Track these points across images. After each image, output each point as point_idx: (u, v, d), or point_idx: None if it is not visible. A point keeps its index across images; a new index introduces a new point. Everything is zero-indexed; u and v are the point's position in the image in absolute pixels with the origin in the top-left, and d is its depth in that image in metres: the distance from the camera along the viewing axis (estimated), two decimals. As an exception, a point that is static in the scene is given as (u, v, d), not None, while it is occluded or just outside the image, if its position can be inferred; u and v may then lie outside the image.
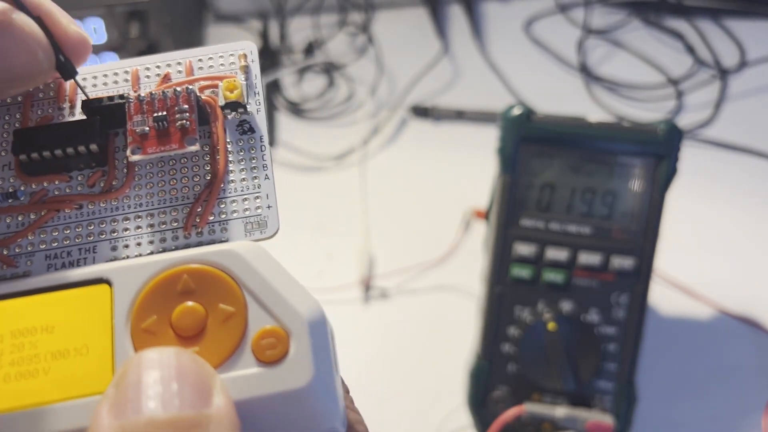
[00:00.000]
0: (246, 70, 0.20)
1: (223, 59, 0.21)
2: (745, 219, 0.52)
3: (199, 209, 0.18)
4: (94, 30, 0.51)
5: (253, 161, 0.19)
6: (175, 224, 0.18)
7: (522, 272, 0.40)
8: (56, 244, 0.18)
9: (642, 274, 0.39)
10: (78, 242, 0.18)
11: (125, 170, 0.19)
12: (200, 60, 0.21)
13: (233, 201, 0.19)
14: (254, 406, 0.15)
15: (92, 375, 0.16)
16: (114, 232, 0.19)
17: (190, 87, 0.19)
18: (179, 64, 0.20)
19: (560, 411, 0.37)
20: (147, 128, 0.18)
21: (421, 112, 0.60)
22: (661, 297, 0.47)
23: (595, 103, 0.60)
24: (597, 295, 0.39)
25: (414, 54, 0.64)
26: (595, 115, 0.42)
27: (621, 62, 0.63)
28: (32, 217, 0.19)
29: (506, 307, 0.40)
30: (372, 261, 0.50)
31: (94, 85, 0.20)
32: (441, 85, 0.62)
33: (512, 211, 0.41)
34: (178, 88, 0.19)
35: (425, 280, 0.50)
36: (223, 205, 0.19)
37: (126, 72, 0.20)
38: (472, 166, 0.53)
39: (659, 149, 0.39)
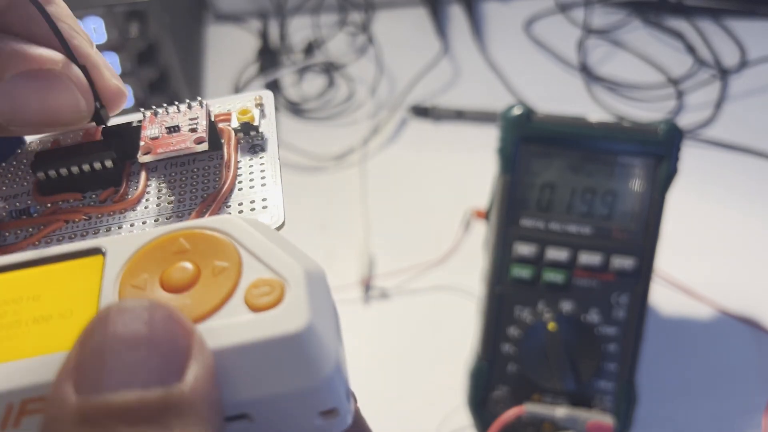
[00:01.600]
0: (261, 100, 0.21)
1: (241, 104, 0.22)
2: (745, 219, 0.52)
3: (204, 210, 0.19)
4: (93, 30, 0.51)
5: (262, 169, 0.20)
6: None
7: (522, 272, 0.40)
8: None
9: (642, 274, 0.39)
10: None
11: (138, 188, 0.20)
12: (219, 106, 0.21)
13: (240, 203, 0.19)
14: (243, 355, 0.14)
15: (71, 334, 0.14)
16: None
17: (202, 101, 0.20)
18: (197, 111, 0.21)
19: (560, 411, 0.37)
20: (159, 135, 0.19)
21: (421, 112, 0.60)
22: (662, 297, 0.47)
23: (596, 102, 0.60)
24: (597, 295, 0.39)
25: (414, 54, 0.64)
26: (595, 115, 0.42)
27: (621, 62, 0.63)
28: (41, 228, 0.19)
29: (506, 307, 0.40)
30: (372, 261, 0.50)
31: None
32: (441, 85, 0.62)
33: (512, 211, 0.41)
34: (192, 104, 0.20)
35: (425, 280, 0.49)
36: (228, 208, 0.19)
37: (144, 116, 0.21)
38: (472, 166, 0.53)
39: (659, 149, 0.39)
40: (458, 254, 0.50)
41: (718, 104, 0.59)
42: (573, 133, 0.40)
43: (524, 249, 0.40)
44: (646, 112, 0.59)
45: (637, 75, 0.61)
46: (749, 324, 0.46)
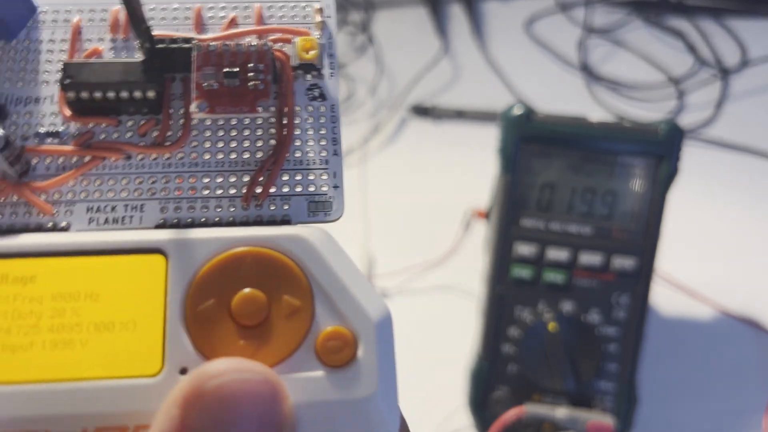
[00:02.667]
0: (322, 26, 0.18)
1: (297, 10, 0.18)
2: (746, 219, 0.51)
3: (260, 179, 0.17)
4: None
5: (322, 132, 0.17)
6: (233, 191, 0.17)
7: (522, 272, 0.40)
8: (99, 195, 0.16)
9: (643, 274, 0.39)
10: (124, 197, 0.16)
11: (181, 122, 0.17)
12: (271, 7, 0.18)
13: (297, 174, 0.17)
14: (314, 411, 0.14)
15: (137, 355, 0.14)
16: (164, 191, 0.16)
17: (267, 43, 0.17)
18: (247, 8, 0.18)
19: (561, 412, 0.37)
20: (216, 84, 0.16)
21: (422, 111, 0.60)
22: (662, 297, 0.47)
23: (596, 102, 0.60)
24: (598, 296, 0.39)
25: (414, 53, 0.64)
26: (595, 114, 0.42)
27: (622, 62, 0.63)
28: (74, 161, 0.17)
29: (506, 308, 0.40)
30: (372, 261, 0.50)
31: (151, 18, 0.18)
32: (441, 85, 0.62)
33: (513, 211, 0.40)
34: (253, 43, 0.17)
35: (425, 280, 0.49)
36: (286, 177, 0.17)
37: (187, 9, 0.18)
38: (473, 165, 0.52)
39: (660, 149, 0.39)
40: (458, 254, 0.50)
41: (719, 104, 0.59)
42: (573, 132, 0.40)
43: (524, 249, 0.40)
44: (647, 111, 0.59)
45: (638, 74, 0.61)
46: (750, 324, 0.46)
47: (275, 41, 0.18)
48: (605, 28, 0.65)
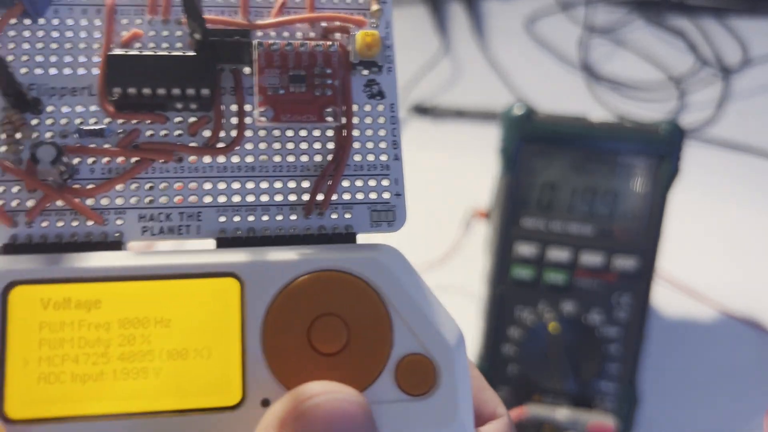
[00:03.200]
0: (379, 15, 0.17)
1: None
2: (748, 219, 0.51)
3: (321, 188, 0.16)
4: None
5: (381, 133, 0.16)
6: (293, 198, 0.16)
7: (523, 273, 0.40)
8: (151, 201, 0.15)
9: (644, 274, 0.39)
10: (179, 204, 0.15)
11: (233, 120, 0.16)
12: None
13: (358, 179, 0.16)
14: None
15: (215, 385, 0.14)
16: (221, 196, 0.15)
17: (333, 44, 0.16)
18: None
19: (561, 412, 0.37)
20: (282, 89, 0.15)
21: (422, 111, 0.59)
22: (664, 298, 0.47)
23: (597, 102, 0.60)
24: (598, 296, 0.39)
25: (414, 53, 0.64)
26: (596, 114, 0.41)
27: (623, 61, 0.62)
28: (120, 161, 0.15)
29: (507, 308, 0.40)
30: (372, 261, 0.50)
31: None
32: (442, 84, 0.62)
33: (513, 210, 0.40)
34: (319, 44, 0.16)
35: (425, 280, 0.49)
36: (346, 183, 0.16)
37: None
38: (473, 165, 0.52)
39: (661, 149, 0.39)
40: (458, 254, 0.50)
41: (720, 103, 0.58)
42: (574, 132, 0.40)
43: (525, 249, 0.40)
44: (648, 111, 0.59)
45: (639, 74, 0.61)
46: (751, 325, 0.46)
47: (330, 30, 0.16)
48: (606, 27, 0.65)
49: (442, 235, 0.51)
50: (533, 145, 0.40)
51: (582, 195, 0.40)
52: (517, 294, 0.40)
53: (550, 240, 0.40)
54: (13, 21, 0.16)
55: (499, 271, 0.40)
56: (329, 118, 0.16)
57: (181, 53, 0.16)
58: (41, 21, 0.16)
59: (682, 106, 0.59)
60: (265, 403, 0.14)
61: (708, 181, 0.53)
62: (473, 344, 0.41)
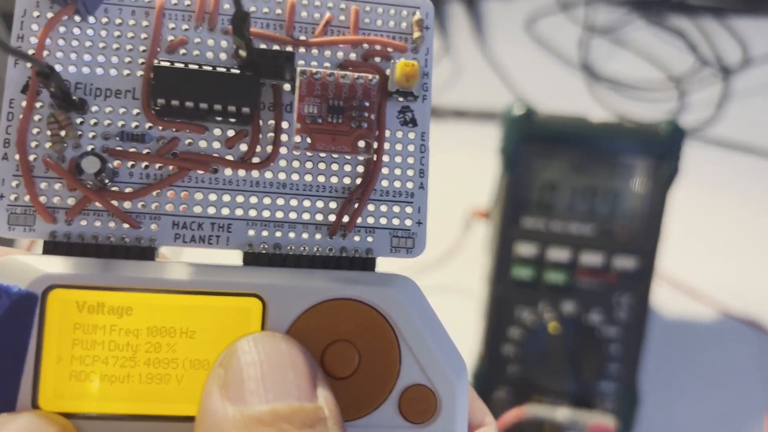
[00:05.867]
0: (420, 42, 0.17)
1: (395, 17, 0.17)
2: (748, 219, 0.51)
3: (348, 210, 0.16)
4: None
5: (410, 161, 0.17)
6: (320, 217, 0.16)
7: (523, 273, 0.40)
8: (186, 210, 0.16)
9: (644, 274, 0.39)
10: (211, 215, 0.16)
11: (270, 136, 0.16)
12: (368, 10, 0.17)
13: (383, 205, 0.17)
14: None
15: None
16: (252, 210, 0.16)
17: (374, 78, 0.16)
18: (342, 9, 0.17)
19: (562, 412, 0.37)
20: (320, 119, 0.16)
21: (422, 111, 0.59)
22: (664, 298, 0.47)
23: (597, 102, 0.60)
24: (599, 296, 0.39)
25: (415, 53, 0.64)
26: (596, 114, 0.41)
27: (623, 61, 0.62)
28: (158, 168, 0.16)
29: (507, 308, 0.40)
30: (372, 261, 0.50)
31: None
32: (442, 84, 0.62)
33: (513, 210, 0.40)
34: (360, 77, 0.16)
35: (425, 280, 0.49)
36: (371, 207, 0.17)
37: (279, 2, 0.17)
38: (473, 165, 0.52)
39: (661, 149, 0.39)
40: (458, 254, 0.50)
41: (720, 103, 0.58)
42: (574, 132, 0.40)
43: (525, 249, 0.40)
44: (648, 111, 0.59)
45: (639, 74, 0.61)
46: (751, 325, 0.46)
47: (370, 54, 0.17)
48: (606, 27, 0.65)
49: (442, 235, 0.51)
50: (533, 145, 0.40)
51: (582, 195, 0.40)
52: (517, 294, 0.40)
53: (550, 240, 0.40)
54: (64, 17, 0.16)
55: (499, 271, 0.40)
56: (362, 149, 0.16)
57: (225, 70, 0.16)
58: (91, 20, 0.16)
59: (682, 106, 0.59)
60: None
61: (708, 181, 0.53)
62: (473, 344, 0.41)
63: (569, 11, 0.67)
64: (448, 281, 0.49)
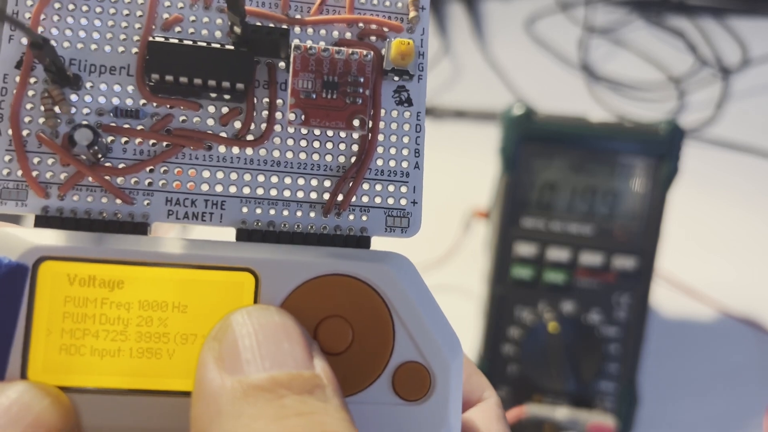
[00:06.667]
0: (416, 21, 0.17)
1: None
2: (747, 219, 0.51)
3: (342, 189, 0.16)
4: None
5: (405, 140, 0.17)
6: (314, 195, 0.16)
7: (523, 273, 0.40)
8: (179, 186, 0.16)
9: (644, 274, 0.39)
10: (205, 192, 0.16)
11: (264, 113, 0.16)
12: None
13: (377, 184, 0.17)
14: None
15: None
16: (245, 188, 0.16)
17: (368, 54, 0.16)
18: None
19: (561, 412, 0.37)
20: (314, 94, 0.16)
21: (422, 111, 0.59)
22: (663, 298, 0.47)
23: (597, 102, 0.60)
24: (598, 296, 0.39)
25: (414, 53, 0.64)
26: (596, 114, 0.41)
27: (622, 61, 0.63)
28: (152, 144, 0.16)
29: (507, 308, 0.40)
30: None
31: None
32: (442, 84, 0.62)
33: (513, 210, 0.40)
34: (355, 53, 0.16)
35: (425, 280, 0.49)
36: (366, 186, 0.16)
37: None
38: (473, 165, 0.52)
39: (661, 149, 0.39)
40: (458, 254, 0.50)
41: (720, 103, 0.58)
42: (574, 132, 0.40)
43: (525, 249, 0.40)
44: (648, 111, 0.59)
45: (639, 74, 0.61)
46: (751, 325, 0.46)
47: (366, 32, 0.17)
48: (606, 27, 0.65)
49: (442, 235, 0.51)
50: (533, 145, 0.40)
51: (582, 195, 0.40)
52: (517, 294, 0.40)
53: (550, 240, 0.40)
54: None
55: (499, 271, 0.40)
56: (357, 125, 0.16)
57: (219, 46, 0.16)
58: None
59: (682, 106, 0.59)
60: None
61: (707, 181, 0.53)
62: (473, 344, 0.42)
63: (569, 11, 0.67)
64: (448, 281, 0.49)
